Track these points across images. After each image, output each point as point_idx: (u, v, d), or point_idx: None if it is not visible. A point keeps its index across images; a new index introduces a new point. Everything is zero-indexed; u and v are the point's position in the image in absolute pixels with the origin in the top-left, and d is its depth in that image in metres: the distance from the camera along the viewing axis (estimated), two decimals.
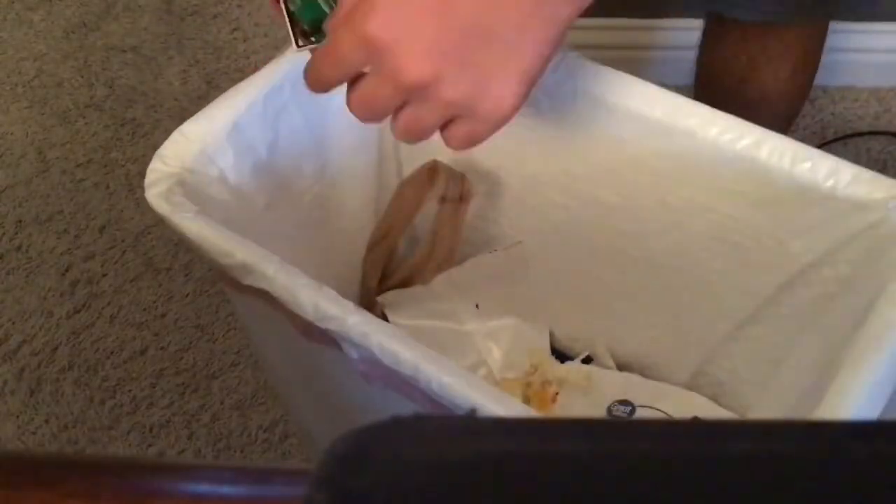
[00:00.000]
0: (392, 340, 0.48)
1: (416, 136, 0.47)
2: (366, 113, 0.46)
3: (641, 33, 1.29)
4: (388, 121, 0.47)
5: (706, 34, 0.90)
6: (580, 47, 0.62)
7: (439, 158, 0.71)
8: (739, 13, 0.78)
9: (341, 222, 0.73)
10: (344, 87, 0.47)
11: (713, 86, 0.92)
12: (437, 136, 0.48)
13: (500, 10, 0.41)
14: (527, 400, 0.73)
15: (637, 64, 1.27)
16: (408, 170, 0.73)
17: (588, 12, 0.44)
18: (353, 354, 0.52)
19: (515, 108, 0.44)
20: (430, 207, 0.73)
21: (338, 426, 0.66)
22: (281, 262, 0.52)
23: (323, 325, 0.50)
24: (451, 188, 0.71)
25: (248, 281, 0.52)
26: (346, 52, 0.43)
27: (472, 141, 0.47)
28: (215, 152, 0.58)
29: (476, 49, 0.42)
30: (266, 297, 0.52)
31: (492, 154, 0.72)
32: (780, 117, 0.92)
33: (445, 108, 0.44)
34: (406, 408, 0.54)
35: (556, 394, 0.73)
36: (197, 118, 0.59)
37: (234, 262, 0.52)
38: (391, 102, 0.45)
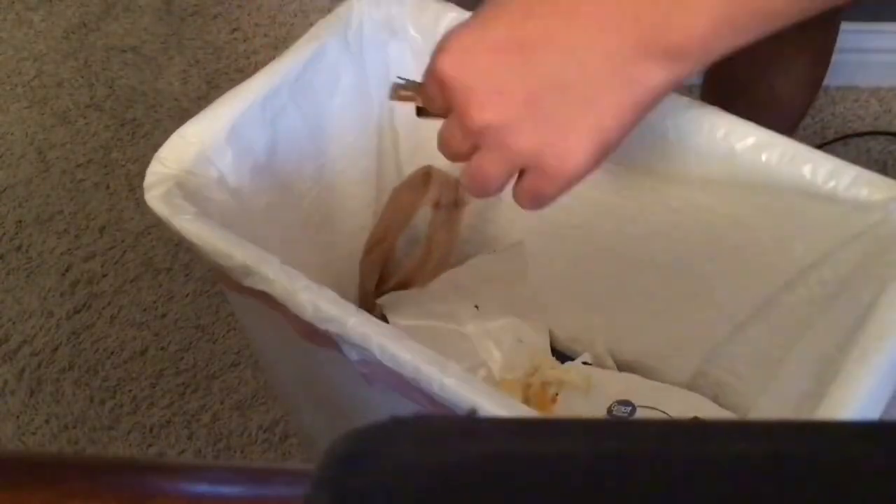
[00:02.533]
0: (392, 342, 0.48)
1: (481, 184, 0.46)
2: (444, 151, 0.46)
3: None
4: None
5: None
6: None
7: (437, 163, 0.71)
8: None
9: (341, 224, 0.73)
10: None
11: (723, 83, 0.90)
12: (434, 141, 0.48)
13: (582, 65, 0.39)
14: (527, 401, 0.73)
15: None
16: (407, 171, 0.73)
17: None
18: (353, 356, 0.52)
19: (585, 168, 0.43)
20: (427, 211, 0.73)
21: (338, 427, 0.66)
22: (280, 264, 0.52)
23: (323, 326, 0.50)
24: (445, 194, 0.71)
25: (247, 282, 0.52)
26: (430, 91, 0.44)
27: (539, 198, 0.46)
28: (214, 154, 0.58)
29: (551, 102, 0.40)
30: (266, 299, 0.52)
31: None
32: (789, 117, 0.91)
33: (512, 159, 0.43)
34: (406, 409, 0.54)
35: (556, 395, 0.73)
36: (196, 120, 0.59)
37: (234, 263, 0.52)
38: (462, 145, 0.44)
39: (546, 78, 0.40)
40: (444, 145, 0.46)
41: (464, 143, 0.44)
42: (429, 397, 0.49)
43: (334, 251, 0.73)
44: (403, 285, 0.76)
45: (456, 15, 0.65)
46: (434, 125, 0.60)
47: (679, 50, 0.38)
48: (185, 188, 0.56)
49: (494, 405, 0.45)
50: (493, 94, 0.40)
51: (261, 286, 0.52)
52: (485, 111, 0.41)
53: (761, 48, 0.84)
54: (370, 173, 0.73)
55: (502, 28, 0.40)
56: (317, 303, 0.50)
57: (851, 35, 1.21)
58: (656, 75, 0.39)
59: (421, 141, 0.73)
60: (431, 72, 0.43)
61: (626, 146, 0.62)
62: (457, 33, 0.42)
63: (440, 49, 0.42)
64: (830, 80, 1.26)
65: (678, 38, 0.37)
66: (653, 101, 0.41)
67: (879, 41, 1.25)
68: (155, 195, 0.55)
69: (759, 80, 0.86)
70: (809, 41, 0.85)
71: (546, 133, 0.41)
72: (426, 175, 0.70)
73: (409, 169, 0.72)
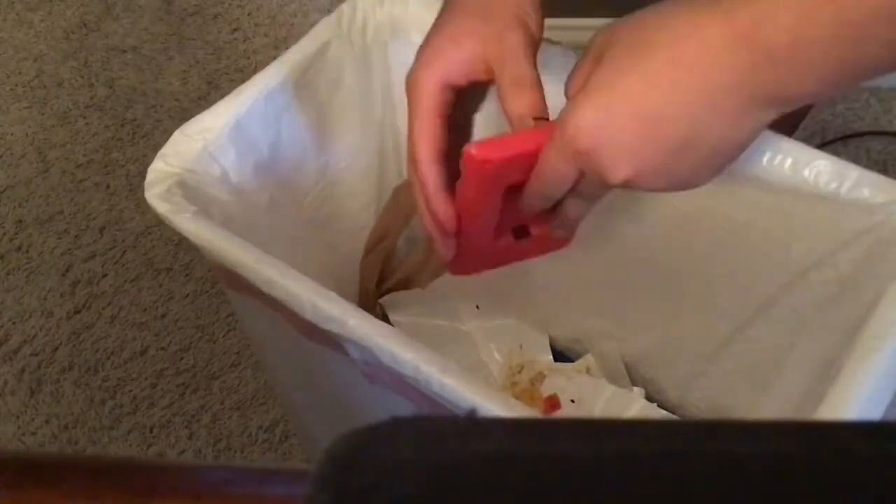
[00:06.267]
0: (392, 342, 0.48)
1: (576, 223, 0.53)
2: (544, 191, 0.50)
3: None
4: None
5: None
6: (579, 48, 0.61)
7: None
8: None
9: (342, 222, 0.73)
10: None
11: None
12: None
13: (707, 123, 0.43)
14: (526, 401, 0.73)
15: None
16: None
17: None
18: (355, 355, 0.52)
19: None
20: None
21: (338, 426, 0.66)
22: (281, 264, 0.52)
23: (323, 326, 0.50)
24: None
25: (247, 282, 0.52)
26: (564, 170, 0.47)
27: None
28: (217, 151, 0.58)
29: (680, 159, 0.44)
30: (266, 299, 0.52)
31: None
32: (789, 117, 0.91)
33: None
34: (406, 409, 0.54)
35: (555, 395, 0.73)
36: (199, 118, 0.59)
37: (233, 263, 0.52)
38: (598, 194, 0.50)
39: (675, 141, 0.44)
40: (546, 187, 0.49)
41: (600, 193, 0.49)
42: (429, 397, 0.49)
43: (335, 250, 0.73)
44: (404, 285, 0.76)
45: None
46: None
47: (790, 101, 0.43)
48: (187, 186, 0.56)
49: (494, 405, 0.45)
50: (627, 158, 0.44)
51: (261, 286, 0.52)
52: (623, 171, 0.45)
53: None
54: (372, 172, 0.73)
55: (627, 105, 0.43)
56: (317, 303, 0.50)
57: None
58: (767, 117, 0.44)
59: None
60: (565, 153, 0.46)
61: None
62: (582, 109, 0.44)
63: (570, 130, 0.45)
64: None
65: (791, 92, 0.42)
66: (759, 133, 0.45)
67: None
68: (155, 193, 0.55)
69: None
70: None
71: (674, 179, 0.46)
72: None
73: None
